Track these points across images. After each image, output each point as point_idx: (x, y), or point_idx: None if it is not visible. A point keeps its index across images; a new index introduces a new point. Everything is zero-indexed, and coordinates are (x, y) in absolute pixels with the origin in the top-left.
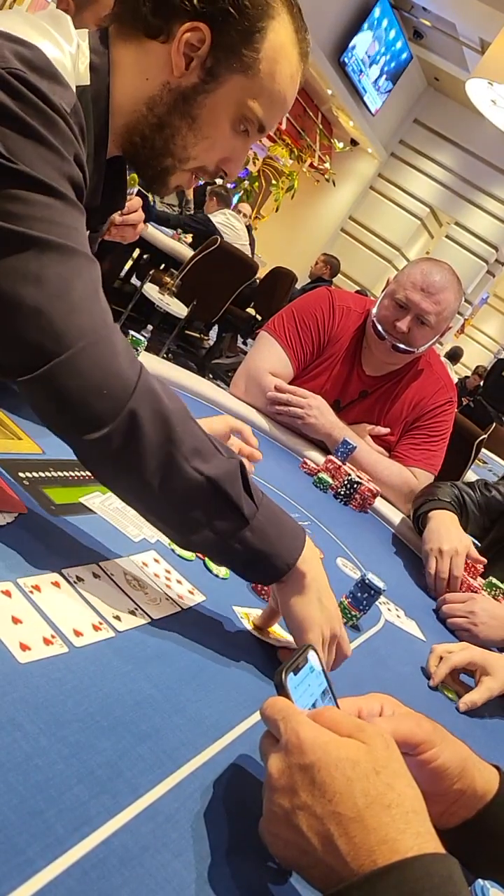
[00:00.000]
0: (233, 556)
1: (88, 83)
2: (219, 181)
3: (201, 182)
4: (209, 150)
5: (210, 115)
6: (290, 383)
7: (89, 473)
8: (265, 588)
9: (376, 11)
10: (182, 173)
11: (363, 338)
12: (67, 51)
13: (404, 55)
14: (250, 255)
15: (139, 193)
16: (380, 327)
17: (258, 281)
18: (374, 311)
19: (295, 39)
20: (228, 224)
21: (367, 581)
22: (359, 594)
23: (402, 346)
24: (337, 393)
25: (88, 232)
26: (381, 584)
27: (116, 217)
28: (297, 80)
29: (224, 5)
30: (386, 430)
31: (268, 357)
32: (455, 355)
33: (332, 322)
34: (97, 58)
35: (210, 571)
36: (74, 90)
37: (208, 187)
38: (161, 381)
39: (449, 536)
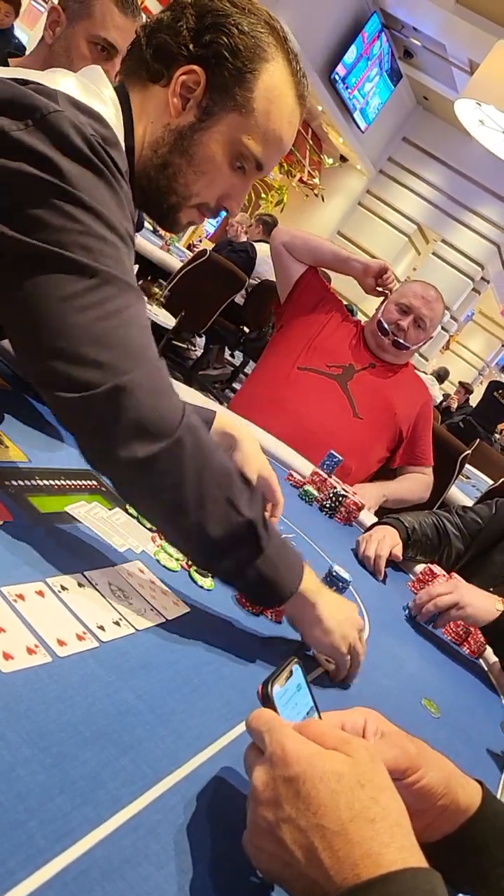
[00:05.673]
0: (245, 581)
1: (123, 139)
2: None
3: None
4: (208, 186)
5: (206, 151)
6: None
7: (103, 483)
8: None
9: (367, 30)
10: (188, 209)
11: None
12: (114, 112)
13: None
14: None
15: None
16: (386, 326)
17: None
18: (379, 314)
19: (291, 82)
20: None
21: (333, 573)
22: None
23: (401, 341)
24: (350, 358)
25: None
26: (347, 576)
27: None
28: (294, 121)
29: (218, 48)
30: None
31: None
32: (441, 376)
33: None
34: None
35: (195, 583)
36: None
37: (256, 212)
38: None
39: (379, 534)
